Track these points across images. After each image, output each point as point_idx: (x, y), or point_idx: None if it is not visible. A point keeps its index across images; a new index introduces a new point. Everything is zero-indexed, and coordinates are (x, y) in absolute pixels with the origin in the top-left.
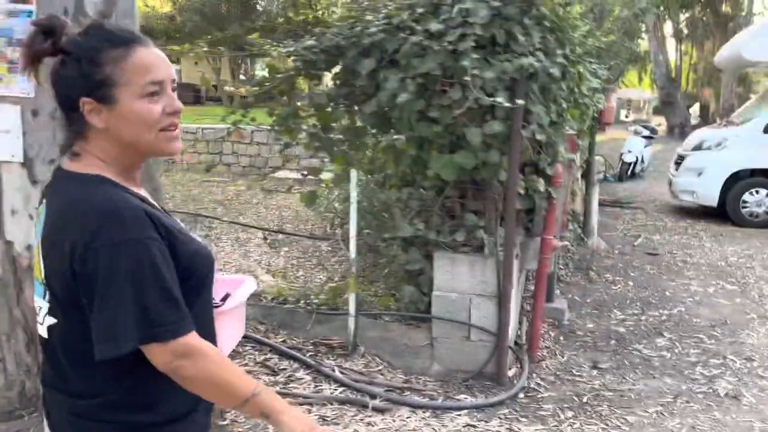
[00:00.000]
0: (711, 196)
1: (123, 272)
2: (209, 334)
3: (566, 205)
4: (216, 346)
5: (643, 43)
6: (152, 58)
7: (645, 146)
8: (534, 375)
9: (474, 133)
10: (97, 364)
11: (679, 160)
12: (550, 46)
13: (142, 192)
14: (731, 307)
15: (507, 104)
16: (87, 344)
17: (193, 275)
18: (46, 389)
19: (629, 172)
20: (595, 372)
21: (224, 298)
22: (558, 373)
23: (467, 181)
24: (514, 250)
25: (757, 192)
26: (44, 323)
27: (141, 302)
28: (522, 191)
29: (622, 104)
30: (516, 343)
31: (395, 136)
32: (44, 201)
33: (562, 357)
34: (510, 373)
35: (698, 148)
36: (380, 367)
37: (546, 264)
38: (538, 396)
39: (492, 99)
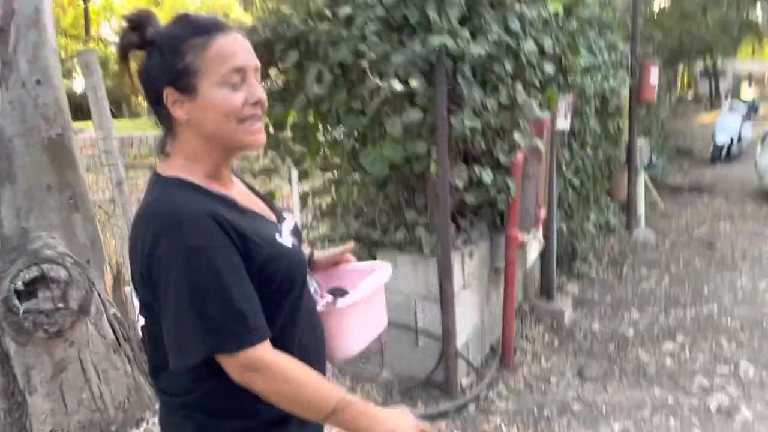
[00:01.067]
0: None
1: (181, 282)
2: (312, 341)
3: (540, 197)
4: (323, 350)
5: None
6: (234, 46)
7: (743, 124)
8: (499, 384)
9: (393, 124)
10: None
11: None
12: (477, 23)
13: (234, 190)
14: None
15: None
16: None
17: (273, 281)
18: (149, 377)
19: (723, 155)
20: (576, 380)
21: (343, 293)
22: (531, 381)
23: (410, 175)
24: (450, 248)
25: None
26: (139, 322)
27: (202, 313)
28: (462, 183)
29: (742, 78)
30: (492, 348)
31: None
32: None
33: (547, 363)
34: (465, 381)
35: None
36: (329, 374)
37: (512, 261)
38: (492, 408)
39: (402, 85)
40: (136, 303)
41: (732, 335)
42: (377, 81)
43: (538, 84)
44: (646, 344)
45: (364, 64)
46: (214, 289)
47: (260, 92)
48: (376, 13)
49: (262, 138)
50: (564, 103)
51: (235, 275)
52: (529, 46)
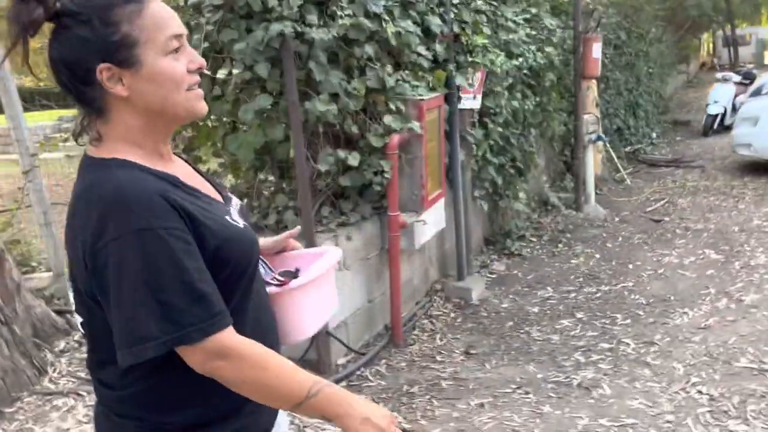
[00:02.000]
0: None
1: (134, 268)
2: (264, 324)
3: (425, 178)
4: (276, 333)
5: None
6: (167, 11)
7: (737, 95)
8: (381, 362)
9: (245, 110)
10: None
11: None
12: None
13: (177, 169)
14: (694, 281)
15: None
16: (112, 340)
17: (227, 264)
18: (89, 372)
19: (716, 125)
20: (461, 358)
21: (294, 275)
22: (416, 359)
23: (283, 159)
24: (313, 231)
25: None
26: (77, 319)
27: (160, 300)
28: (327, 167)
29: (766, 44)
30: (386, 327)
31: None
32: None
33: (441, 341)
34: (342, 360)
35: (756, 93)
36: None
37: (395, 243)
38: (363, 386)
39: (250, 71)
40: (72, 300)
41: (630, 312)
42: (229, 69)
43: (426, 65)
44: (543, 322)
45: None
46: (171, 273)
47: (200, 57)
48: (212, 2)
49: (205, 105)
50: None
51: (192, 257)
52: (390, 28)
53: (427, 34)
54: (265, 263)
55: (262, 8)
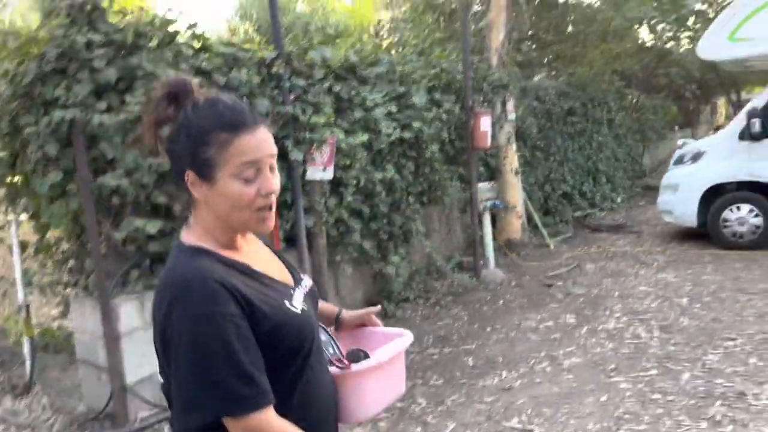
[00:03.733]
0: (688, 215)
1: (191, 346)
2: (317, 400)
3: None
4: (333, 411)
5: None
6: (255, 143)
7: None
8: None
9: (39, 184)
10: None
11: None
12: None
13: (251, 255)
14: (534, 344)
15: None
16: None
17: (278, 346)
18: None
19: None
20: None
21: (360, 357)
22: None
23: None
24: (108, 295)
25: (738, 209)
26: (160, 379)
27: (210, 378)
28: (122, 236)
29: None
30: None
31: None
32: None
33: None
34: (143, 414)
35: (679, 162)
36: (47, 408)
37: None
38: None
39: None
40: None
41: (449, 373)
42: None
43: None
44: None
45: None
46: (222, 353)
47: (272, 185)
48: (19, 92)
49: (271, 224)
50: (320, 155)
51: (243, 340)
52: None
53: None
54: (333, 341)
55: (53, 97)
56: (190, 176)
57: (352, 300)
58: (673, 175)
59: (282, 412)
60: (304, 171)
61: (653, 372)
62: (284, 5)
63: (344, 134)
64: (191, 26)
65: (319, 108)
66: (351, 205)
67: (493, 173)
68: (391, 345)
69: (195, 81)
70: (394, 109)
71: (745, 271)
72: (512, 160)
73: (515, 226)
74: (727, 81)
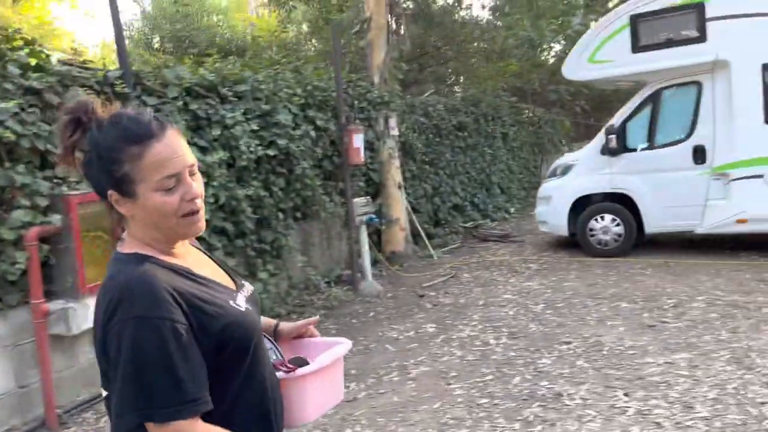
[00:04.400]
0: (560, 225)
1: (127, 350)
2: (265, 401)
3: (80, 267)
4: (281, 415)
5: None
6: (167, 152)
7: None
8: None
9: None
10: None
11: None
12: None
13: (190, 260)
14: (390, 354)
15: None
16: None
17: (227, 346)
18: None
19: None
20: None
21: (302, 363)
22: None
23: None
24: None
25: (602, 218)
26: (103, 393)
27: (140, 381)
28: None
29: None
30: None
31: None
32: None
33: (103, 424)
34: None
35: (552, 174)
36: None
37: (40, 329)
38: None
39: None
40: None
41: None
42: None
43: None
44: None
45: None
46: (157, 358)
47: (195, 189)
48: None
49: (202, 225)
50: None
51: (181, 346)
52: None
53: None
54: (276, 348)
55: None
56: (112, 196)
57: None
58: (546, 187)
59: (229, 413)
60: None
61: (489, 378)
62: (194, 15)
63: (201, 152)
64: (29, 43)
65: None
66: (212, 223)
67: (377, 188)
68: (331, 351)
69: (97, 101)
70: (255, 127)
71: (603, 278)
72: (395, 174)
73: (398, 238)
74: (624, 96)
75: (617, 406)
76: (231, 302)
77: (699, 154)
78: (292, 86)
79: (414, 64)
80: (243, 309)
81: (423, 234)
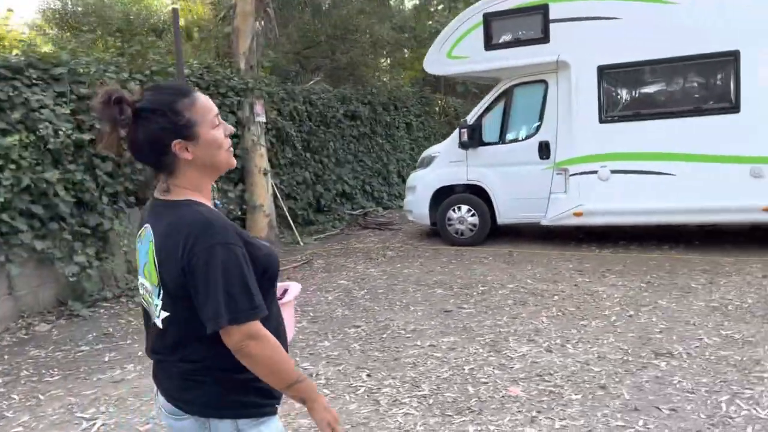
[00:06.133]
0: (423, 215)
1: (215, 268)
2: (279, 320)
3: None
4: (286, 330)
5: None
6: (207, 99)
7: None
8: None
9: None
10: (199, 338)
11: None
12: None
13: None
14: None
15: None
16: (192, 325)
17: (267, 271)
18: (159, 363)
19: None
20: None
21: (282, 295)
22: None
23: None
24: None
25: (459, 209)
26: (159, 316)
27: (228, 291)
28: None
29: None
30: None
31: None
32: (146, 225)
33: None
34: None
35: (420, 165)
36: None
37: None
38: None
39: None
40: (156, 303)
41: (84, 369)
42: None
43: None
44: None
45: None
46: (237, 274)
47: (230, 127)
48: None
49: (234, 159)
50: None
51: (247, 266)
52: None
53: None
54: None
55: None
56: (177, 145)
57: (41, 299)
58: (412, 177)
59: (265, 323)
60: None
61: None
62: None
63: (1, 135)
64: None
65: None
66: (15, 206)
67: (242, 173)
68: (291, 289)
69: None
70: (67, 111)
71: (443, 265)
72: (260, 161)
73: (262, 224)
74: None
75: (353, 385)
76: (260, 240)
77: (544, 150)
78: (122, 69)
79: (303, 54)
80: (267, 244)
81: (290, 220)
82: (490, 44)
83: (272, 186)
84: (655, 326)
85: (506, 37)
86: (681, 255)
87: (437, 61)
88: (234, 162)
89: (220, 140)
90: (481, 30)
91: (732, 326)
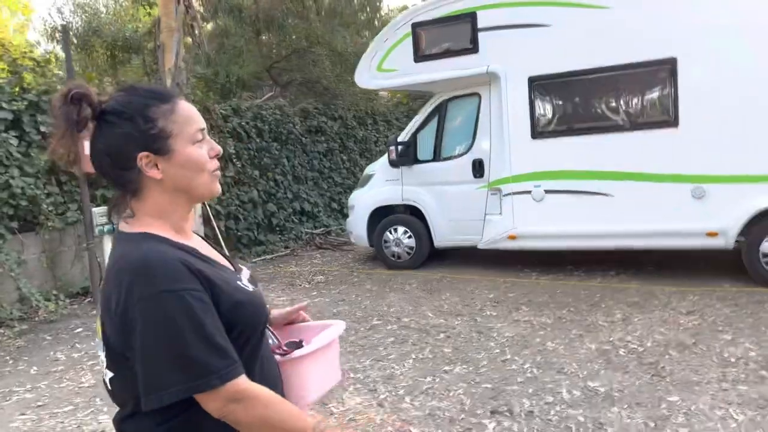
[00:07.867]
0: (361, 236)
1: (157, 325)
2: (267, 381)
3: None
4: (282, 392)
5: None
6: (192, 109)
7: None
8: None
9: None
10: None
11: None
12: None
13: (195, 242)
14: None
15: None
16: (137, 393)
17: (236, 326)
18: (115, 427)
19: None
20: None
21: (298, 345)
22: None
23: None
24: None
25: (395, 230)
26: (105, 375)
27: (182, 353)
28: None
29: None
30: None
31: None
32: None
33: None
34: None
35: (360, 183)
36: None
37: None
38: None
39: None
40: (102, 358)
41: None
42: None
43: None
44: None
45: None
46: (191, 327)
47: (217, 146)
48: None
49: (219, 186)
50: None
51: (209, 314)
52: None
53: None
54: (272, 333)
55: None
56: (143, 159)
57: None
58: (352, 196)
59: None
60: None
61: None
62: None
63: None
64: None
65: None
66: None
67: None
68: (325, 333)
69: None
70: None
71: (362, 293)
72: None
73: None
74: None
75: None
76: (239, 282)
77: (477, 168)
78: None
79: (275, 68)
80: (251, 289)
81: (222, 242)
82: (419, 56)
83: (203, 206)
84: (520, 375)
85: (435, 48)
86: (621, 284)
87: (368, 75)
88: (218, 189)
89: (202, 160)
90: (410, 41)
91: (605, 376)
